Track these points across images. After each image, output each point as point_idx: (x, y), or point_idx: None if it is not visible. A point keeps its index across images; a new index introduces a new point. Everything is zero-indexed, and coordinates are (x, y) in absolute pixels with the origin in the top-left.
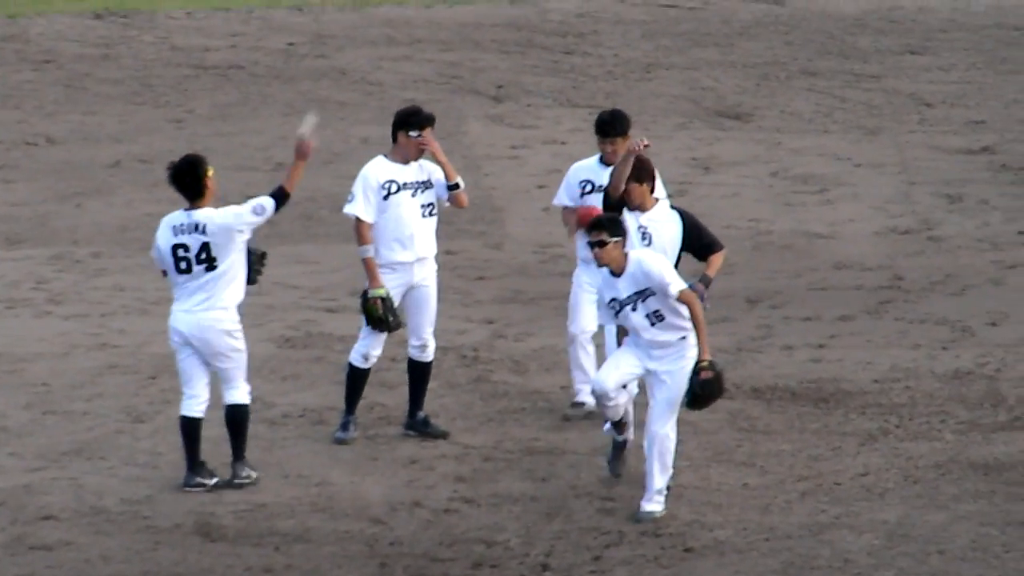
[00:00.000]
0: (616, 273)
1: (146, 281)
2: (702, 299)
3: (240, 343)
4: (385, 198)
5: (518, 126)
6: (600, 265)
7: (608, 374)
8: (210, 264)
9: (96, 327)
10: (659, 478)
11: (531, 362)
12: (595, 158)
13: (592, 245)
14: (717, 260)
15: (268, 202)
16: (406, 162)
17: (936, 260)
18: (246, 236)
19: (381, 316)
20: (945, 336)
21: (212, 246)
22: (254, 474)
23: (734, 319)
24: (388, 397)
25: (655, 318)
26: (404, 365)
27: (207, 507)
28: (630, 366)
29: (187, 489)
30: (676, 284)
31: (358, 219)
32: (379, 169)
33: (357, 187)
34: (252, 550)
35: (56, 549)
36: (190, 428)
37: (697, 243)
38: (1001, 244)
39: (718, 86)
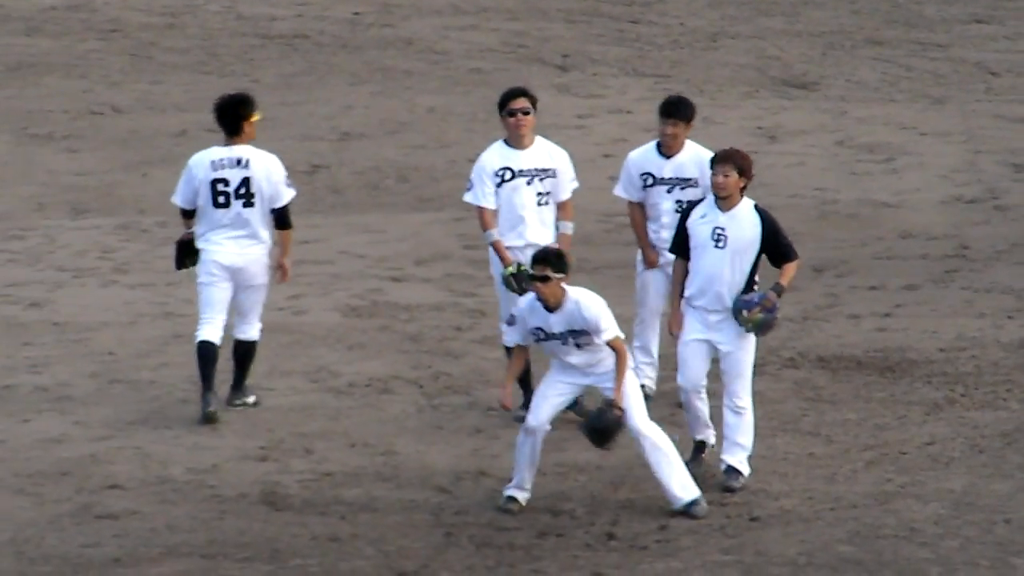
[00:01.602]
0: (550, 308)
1: None
2: (773, 309)
3: (265, 282)
4: (499, 185)
5: (584, 95)
6: (539, 300)
7: (539, 407)
8: (248, 200)
9: (162, 296)
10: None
11: None
12: (652, 145)
13: (533, 279)
14: (791, 269)
15: (289, 195)
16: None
17: (1002, 229)
18: (272, 195)
19: (519, 291)
20: (1011, 305)
21: (252, 181)
22: (252, 398)
23: (800, 288)
24: (453, 366)
25: (583, 346)
26: (469, 335)
27: (273, 476)
28: (559, 394)
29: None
30: (610, 331)
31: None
32: (494, 156)
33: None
34: (318, 519)
35: (122, 518)
36: (210, 352)
37: (773, 248)
38: None
39: (784, 55)
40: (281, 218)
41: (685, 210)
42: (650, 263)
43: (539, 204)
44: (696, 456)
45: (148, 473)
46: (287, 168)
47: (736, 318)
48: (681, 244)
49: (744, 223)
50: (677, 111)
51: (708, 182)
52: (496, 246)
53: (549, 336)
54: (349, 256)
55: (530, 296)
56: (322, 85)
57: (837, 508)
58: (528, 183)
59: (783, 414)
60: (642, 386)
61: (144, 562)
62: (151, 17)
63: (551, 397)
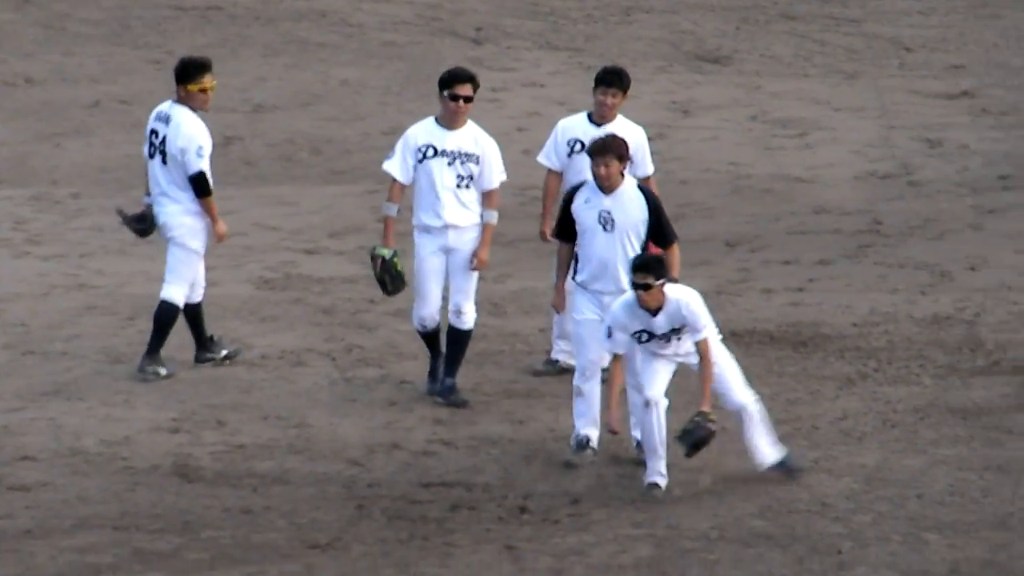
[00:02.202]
0: (653, 312)
1: None
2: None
3: (187, 243)
4: (420, 161)
5: (498, 68)
6: (643, 307)
7: (652, 381)
8: (164, 157)
9: (75, 268)
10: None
11: (509, 304)
12: (583, 115)
13: (636, 287)
14: (675, 257)
15: (197, 165)
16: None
17: (915, 205)
18: (183, 161)
19: (377, 276)
20: (924, 280)
21: (168, 140)
22: (163, 371)
23: (713, 262)
24: (366, 339)
25: (681, 338)
26: (383, 307)
27: (185, 448)
28: (664, 367)
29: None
30: (706, 331)
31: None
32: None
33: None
34: (230, 491)
35: (34, 489)
36: (188, 314)
37: (657, 228)
38: (980, 189)
39: (698, 29)
40: (195, 185)
41: (567, 195)
42: (544, 236)
43: (458, 186)
44: (581, 450)
45: (60, 445)
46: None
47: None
48: (565, 229)
49: (629, 204)
50: (618, 80)
51: (640, 156)
52: (387, 221)
53: (652, 337)
54: (262, 228)
55: (624, 303)
56: (235, 57)
57: (749, 482)
58: (449, 164)
59: (696, 389)
60: (555, 361)
61: (56, 534)
62: None
63: (660, 371)
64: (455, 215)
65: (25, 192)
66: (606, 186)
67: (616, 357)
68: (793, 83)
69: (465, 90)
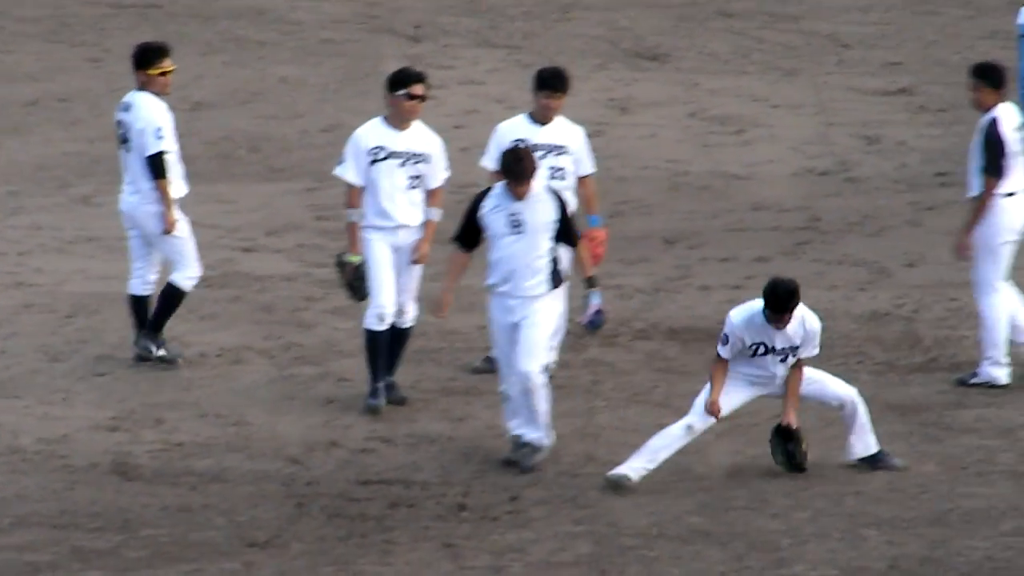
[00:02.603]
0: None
1: (64, 220)
2: (600, 314)
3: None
4: (372, 163)
5: (435, 66)
6: (775, 327)
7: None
8: (128, 145)
9: (13, 266)
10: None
11: None
12: (522, 116)
13: (782, 316)
14: (587, 254)
15: (155, 146)
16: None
17: (853, 201)
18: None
19: (347, 283)
20: (862, 277)
21: (130, 126)
22: (156, 350)
23: (651, 259)
24: (305, 337)
25: (789, 360)
26: (321, 305)
27: (124, 447)
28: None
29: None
30: (815, 350)
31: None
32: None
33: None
34: (169, 489)
35: None
36: (135, 305)
37: (564, 229)
38: (918, 185)
39: (636, 27)
40: (150, 167)
41: (474, 200)
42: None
43: (410, 188)
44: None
45: None
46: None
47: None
48: (467, 235)
49: (540, 206)
50: (562, 84)
51: (586, 152)
52: (351, 228)
53: (769, 351)
54: (201, 226)
55: (747, 315)
56: (173, 55)
57: (688, 480)
58: (401, 165)
59: (634, 385)
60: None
61: None
62: None
63: (731, 398)
64: (407, 215)
65: None
66: (518, 195)
67: (721, 363)
68: (731, 80)
69: (420, 89)
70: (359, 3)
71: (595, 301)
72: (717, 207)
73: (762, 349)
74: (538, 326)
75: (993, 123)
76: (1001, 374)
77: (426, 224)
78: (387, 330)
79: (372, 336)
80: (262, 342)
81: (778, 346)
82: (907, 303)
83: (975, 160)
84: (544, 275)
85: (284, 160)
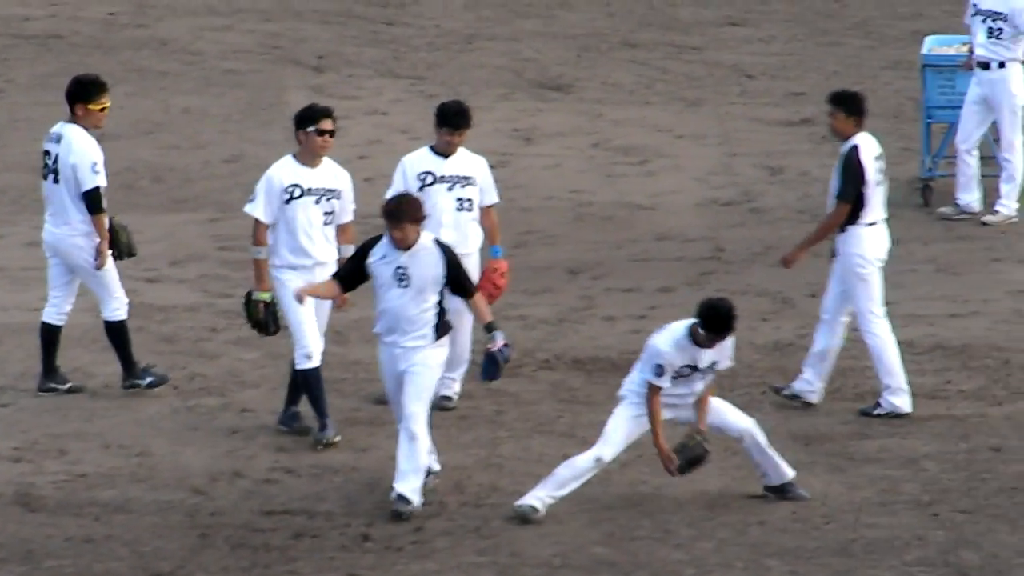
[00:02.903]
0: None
1: None
2: (506, 350)
3: (88, 264)
4: (287, 202)
5: (339, 96)
6: (691, 340)
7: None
8: (56, 176)
9: None
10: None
11: (352, 332)
12: (426, 148)
13: (717, 338)
14: (482, 304)
15: (92, 181)
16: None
17: (757, 232)
18: (78, 178)
19: (259, 320)
20: (766, 307)
21: (60, 159)
22: (142, 382)
23: (555, 290)
24: (208, 367)
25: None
26: (224, 336)
27: (27, 477)
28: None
29: (40, 393)
30: (731, 361)
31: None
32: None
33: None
34: (72, 520)
35: None
36: (47, 334)
37: (455, 282)
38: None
39: (540, 57)
40: (86, 201)
41: (363, 246)
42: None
43: (325, 224)
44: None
45: None
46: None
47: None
48: (350, 278)
49: (426, 259)
50: (465, 121)
51: (489, 182)
52: (258, 264)
53: (694, 371)
54: None
55: (674, 340)
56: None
57: (592, 510)
58: (316, 202)
59: (538, 415)
60: (449, 398)
61: None
62: None
63: (632, 434)
64: (324, 252)
65: None
66: (402, 246)
67: (657, 396)
68: (635, 111)
69: (329, 124)
70: (262, 34)
71: (499, 339)
72: (621, 237)
73: (687, 371)
74: (423, 374)
75: (854, 150)
76: (903, 402)
77: (339, 261)
78: (319, 366)
79: (306, 375)
80: (165, 372)
81: (703, 365)
82: (810, 333)
83: (832, 186)
84: (429, 327)
85: (187, 191)
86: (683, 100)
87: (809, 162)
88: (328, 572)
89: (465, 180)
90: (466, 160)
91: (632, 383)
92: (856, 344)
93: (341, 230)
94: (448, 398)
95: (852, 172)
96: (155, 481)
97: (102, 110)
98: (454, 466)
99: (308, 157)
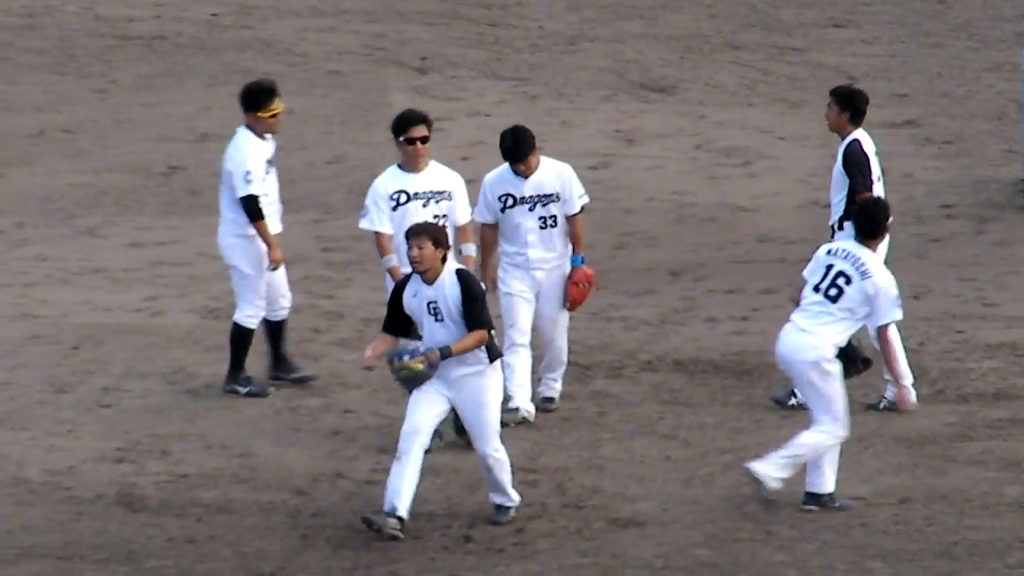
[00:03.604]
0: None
1: (69, 252)
2: (434, 366)
3: (237, 264)
4: (395, 208)
5: (442, 98)
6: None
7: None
8: (222, 178)
9: (19, 297)
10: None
11: None
12: (506, 167)
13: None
14: (472, 338)
15: (244, 190)
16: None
17: None
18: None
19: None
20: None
21: (222, 162)
22: (241, 389)
23: (658, 291)
24: (310, 368)
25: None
26: (327, 337)
27: (129, 478)
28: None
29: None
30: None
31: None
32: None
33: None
34: (174, 521)
35: None
36: (268, 331)
37: (467, 313)
38: (924, 217)
39: (642, 59)
40: (244, 209)
41: (395, 289)
42: (488, 288)
43: None
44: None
45: (4, 474)
46: (146, 170)
47: (391, 363)
48: (395, 324)
49: (449, 292)
50: (521, 153)
51: (570, 195)
52: (392, 272)
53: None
54: (206, 258)
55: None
56: (180, 86)
57: (694, 511)
58: (424, 205)
59: (640, 417)
60: (516, 409)
61: (0, 564)
62: (8, 17)
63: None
64: None
65: None
66: (420, 270)
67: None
68: (737, 112)
69: (419, 131)
70: (366, 35)
71: (428, 353)
72: (723, 239)
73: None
74: (484, 406)
75: (855, 143)
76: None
77: (464, 259)
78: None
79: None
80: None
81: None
82: (913, 335)
83: (835, 186)
84: (479, 353)
85: (290, 192)
86: (785, 101)
87: (912, 164)
88: (429, 573)
89: (547, 199)
90: (547, 175)
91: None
92: (961, 346)
93: (460, 231)
94: (550, 399)
95: (859, 163)
96: (257, 482)
97: (272, 116)
98: (556, 467)
99: (409, 164)
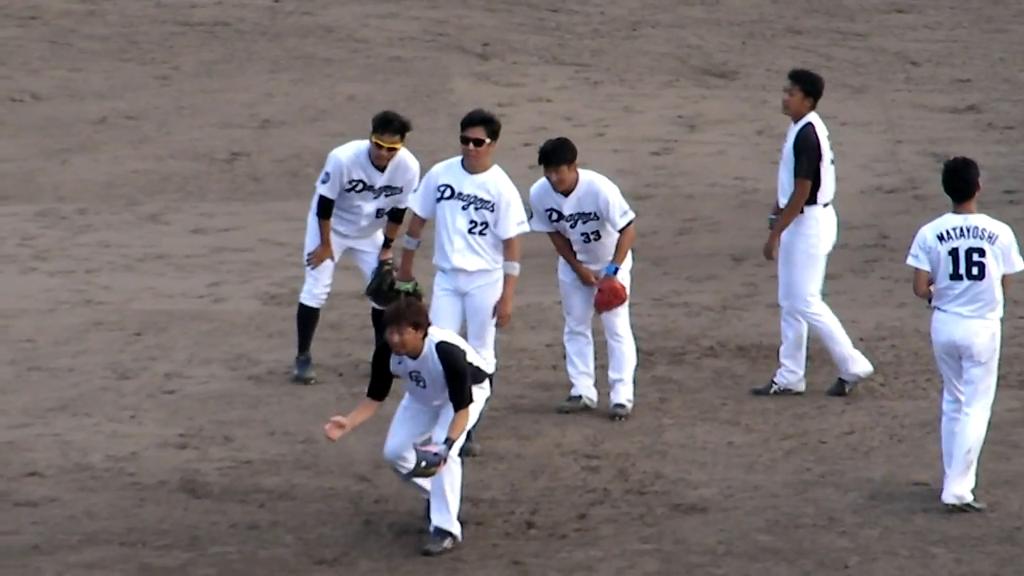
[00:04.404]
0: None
1: (132, 238)
2: (430, 455)
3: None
4: (438, 200)
5: (504, 84)
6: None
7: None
8: None
9: (81, 283)
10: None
11: (516, 319)
12: (547, 184)
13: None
14: (460, 420)
15: (319, 189)
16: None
17: (921, 219)
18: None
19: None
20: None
21: None
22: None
23: (720, 277)
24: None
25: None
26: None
27: (192, 464)
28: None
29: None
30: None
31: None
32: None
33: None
34: (237, 507)
35: (41, 505)
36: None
37: (450, 388)
38: (987, 203)
39: (704, 44)
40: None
41: (379, 353)
42: (587, 282)
43: (470, 232)
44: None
45: (67, 460)
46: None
47: (417, 466)
48: (378, 387)
49: (432, 366)
50: (556, 158)
51: (610, 214)
52: (405, 254)
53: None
54: (268, 244)
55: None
56: (242, 73)
57: (756, 497)
58: (463, 208)
59: (702, 403)
60: (578, 397)
61: (63, 549)
62: (71, 4)
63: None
64: (464, 260)
65: (31, 208)
66: (401, 352)
67: None
68: None
69: (474, 133)
70: (428, 21)
71: (436, 447)
72: None
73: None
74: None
75: (808, 127)
76: (862, 368)
77: (504, 279)
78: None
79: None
80: (330, 359)
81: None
82: None
83: (787, 168)
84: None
85: None
86: (848, 87)
87: (974, 149)
88: (492, 559)
89: (586, 217)
90: (584, 196)
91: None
92: (1022, 331)
93: (506, 245)
94: (620, 405)
95: (809, 149)
96: (320, 468)
97: (377, 146)
98: (618, 453)
99: (467, 164)
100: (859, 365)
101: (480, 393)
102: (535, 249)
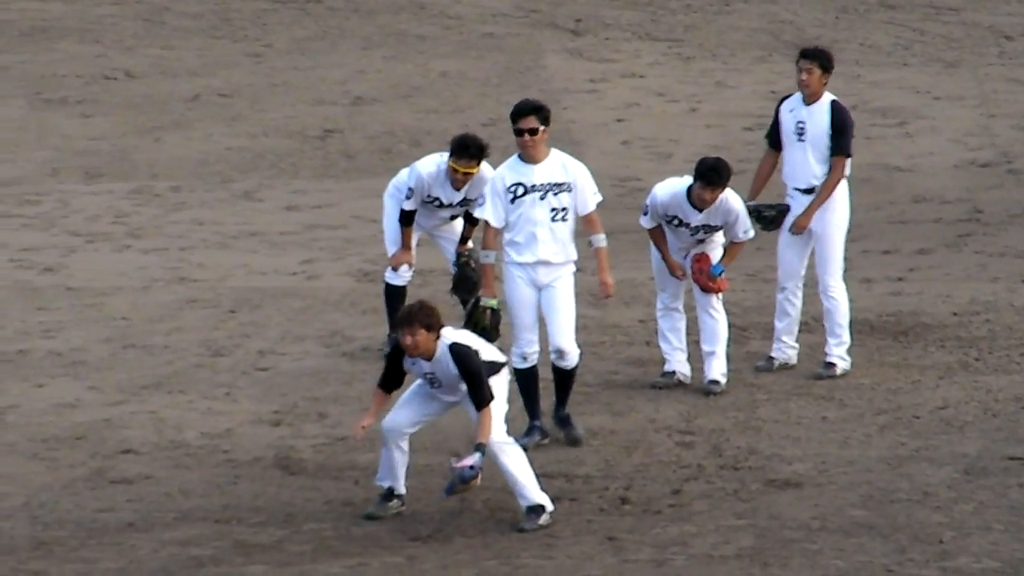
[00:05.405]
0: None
1: (225, 215)
2: (468, 472)
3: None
4: (512, 201)
5: (597, 59)
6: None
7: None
8: None
9: (175, 261)
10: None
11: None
12: (684, 190)
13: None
14: (487, 419)
15: (403, 205)
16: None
17: (1015, 193)
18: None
19: (486, 326)
20: None
21: None
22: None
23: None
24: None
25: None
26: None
27: (287, 441)
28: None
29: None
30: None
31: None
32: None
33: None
34: (331, 483)
35: (136, 483)
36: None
37: (472, 395)
38: None
39: (797, 19)
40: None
41: (393, 353)
42: (675, 275)
43: (553, 220)
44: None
45: (162, 438)
46: (301, 133)
47: (456, 481)
48: (391, 381)
49: (447, 368)
50: (718, 181)
51: (735, 229)
52: (486, 269)
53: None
54: (362, 221)
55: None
56: (335, 49)
57: (850, 472)
58: (541, 198)
59: (796, 377)
60: (672, 372)
61: (158, 526)
62: None
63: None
64: (549, 251)
65: (126, 186)
66: (414, 353)
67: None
68: (893, 72)
69: (527, 123)
70: None
71: (471, 459)
72: (879, 199)
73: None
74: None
75: (838, 104)
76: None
77: (596, 253)
78: (534, 365)
79: (519, 374)
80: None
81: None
82: None
83: (813, 147)
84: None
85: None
86: (941, 61)
87: None
88: (586, 535)
89: (709, 228)
90: (716, 209)
91: None
92: None
93: (587, 221)
94: (715, 382)
95: (850, 127)
96: (414, 444)
97: (454, 170)
98: (712, 429)
99: (526, 156)
100: (845, 361)
101: (500, 385)
102: (627, 225)
